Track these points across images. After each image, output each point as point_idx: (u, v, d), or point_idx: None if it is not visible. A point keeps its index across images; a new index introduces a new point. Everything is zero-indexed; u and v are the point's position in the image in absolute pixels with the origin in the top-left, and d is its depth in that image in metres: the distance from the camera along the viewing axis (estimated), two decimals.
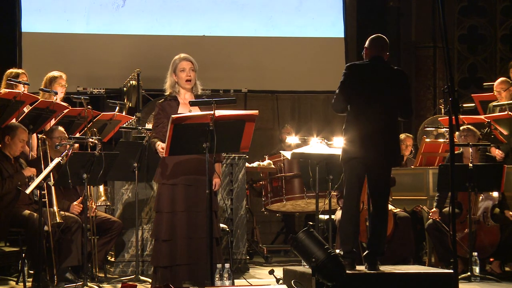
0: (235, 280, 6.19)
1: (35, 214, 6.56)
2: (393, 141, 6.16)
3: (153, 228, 6.02)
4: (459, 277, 6.82)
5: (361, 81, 6.16)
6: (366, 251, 6.14)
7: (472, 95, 9.57)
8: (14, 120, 7.19)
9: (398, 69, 6.33)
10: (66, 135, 7.10)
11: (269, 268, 6.34)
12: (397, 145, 6.26)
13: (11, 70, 7.64)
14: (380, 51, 6.23)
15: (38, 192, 6.38)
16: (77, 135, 7.33)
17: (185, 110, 5.90)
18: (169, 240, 5.83)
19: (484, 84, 10.45)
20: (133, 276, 7.10)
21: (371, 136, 6.04)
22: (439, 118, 9.24)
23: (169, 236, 5.83)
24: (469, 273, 7.05)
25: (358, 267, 6.10)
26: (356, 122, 6.09)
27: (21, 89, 7.19)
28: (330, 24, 11.60)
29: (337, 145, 7.12)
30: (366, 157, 6.07)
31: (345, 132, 6.17)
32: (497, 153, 8.04)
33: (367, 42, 6.30)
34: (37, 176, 6.52)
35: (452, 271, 5.36)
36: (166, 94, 6.06)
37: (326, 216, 7.58)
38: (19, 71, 7.63)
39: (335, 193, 7.31)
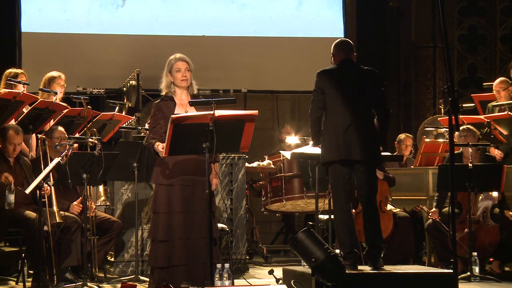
0: (235, 280, 6.20)
1: (35, 214, 6.56)
2: (370, 140, 6.20)
3: (150, 229, 6.02)
4: (459, 277, 6.81)
5: (332, 86, 6.22)
6: (366, 249, 6.18)
7: (472, 95, 9.57)
8: (13, 121, 7.18)
9: (368, 69, 6.36)
10: (66, 135, 7.10)
11: (269, 268, 6.34)
12: (375, 143, 6.27)
13: (10, 70, 7.63)
14: (346, 53, 6.31)
15: (38, 192, 6.39)
16: (77, 135, 7.32)
17: (181, 110, 5.90)
18: (166, 241, 5.83)
19: (484, 84, 10.45)
20: (132, 276, 7.11)
21: (348, 137, 6.11)
22: (439, 118, 9.24)
23: (166, 237, 5.83)
24: (469, 273, 7.05)
25: (359, 267, 6.12)
26: (332, 125, 6.17)
27: (21, 89, 7.19)
28: (330, 24, 11.60)
29: None
30: (345, 159, 6.13)
31: (322, 136, 6.23)
32: (496, 153, 8.04)
33: (332, 49, 6.39)
34: (37, 176, 6.51)
35: (452, 271, 5.36)
36: (162, 94, 6.06)
37: (326, 216, 7.58)
38: (18, 71, 7.62)
39: None
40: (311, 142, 7.74)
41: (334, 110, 6.17)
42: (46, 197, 6.55)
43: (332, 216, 7.43)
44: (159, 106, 5.98)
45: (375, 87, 6.29)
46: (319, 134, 6.26)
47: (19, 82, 7.29)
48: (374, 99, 6.25)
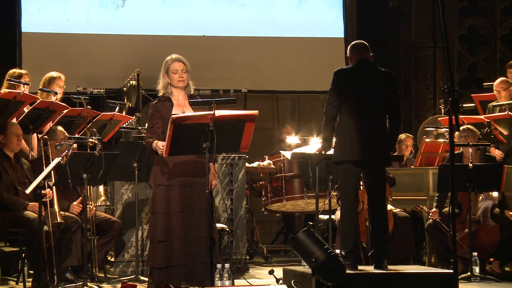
0: (235, 280, 6.20)
1: (35, 214, 6.56)
2: (383, 141, 6.21)
3: (149, 229, 6.02)
4: (459, 277, 6.81)
5: (349, 85, 6.24)
6: (372, 251, 6.18)
7: (472, 95, 9.56)
8: (14, 120, 7.18)
9: (385, 70, 6.38)
10: (67, 135, 7.10)
11: (269, 268, 6.34)
12: (387, 145, 6.29)
13: (14, 70, 7.64)
14: (362, 54, 6.32)
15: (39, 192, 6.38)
16: (77, 135, 7.32)
17: (178, 111, 5.92)
18: (165, 241, 5.84)
19: (484, 84, 10.45)
20: (133, 276, 7.11)
21: (362, 138, 6.12)
22: (439, 118, 9.24)
23: (165, 237, 5.84)
24: (469, 273, 7.05)
25: (359, 267, 6.12)
26: (346, 125, 6.17)
27: (22, 89, 7.19)
28: (330, 24, 11.60)
29: None
30: (358, 159, 6.14)
31: (336, 134, 6.23)
32: (496, 153, 8.04)
33: (348, 51, 6.38)
34: (38, 176, 6.51)
35: (452, 271, 5.36)
36: (159, 95, 6.07)
37: (326, 216, 7.58)
38: (22, 71, 7.62)
39: (335, 193, 7.32)
40: (311, 142, 7.77)
41: (349, 110, 6.17)
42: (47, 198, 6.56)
43: (333, 216, 7.46)
44: (157, 106, 6.00)
45: (390, 89, 6.30)
46: (331, 137, 6.26)
47: (20, 82, 7.29)
48: (388, 101, 6.25)
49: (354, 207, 6.20)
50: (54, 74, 7.80)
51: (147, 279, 6.69)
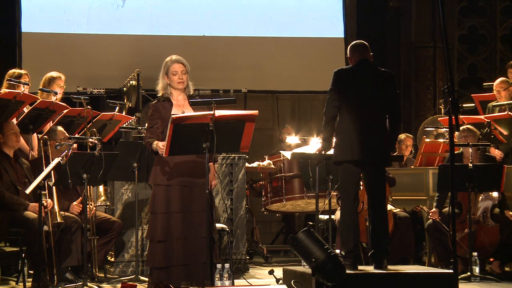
0: (235, 280, 6.20)
1: (35, 214, 6.56)
2: (382, 142, 6.21)
3: (148, 229, 6.02)
4: (459, 277, 6.82)
5: (348, 85, 6.24)
6: (372, 251, 6.19)
7: (472, 95, 9.57)
8: (14, 120, 7.18)
9: (385, 70, 6.39)
10: (67, 135, 7.10)
11: (269, 268, 6.34)
12: (387, 145, 6.30)
13: (13, 70, 7.64)
14: (362, 54, 6.32)
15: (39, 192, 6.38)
16: (77, 135, 7.32)
17: (178, 111, 5.92)
18: (164, 241, 5.84)
19: (484, 84, 10.45)
20: (133, 276, 7.11)
21: (362, 138, 6.12)
22: (439, 118, 9.25)
23: (164, 237, 5.84)
24: (469, 273, 7.05)
25: (359, 267, 6.12)
26: (346, 125, 6.18)
27: (22, 89, 7.19)
28: (330, 24, 11.60)
29: None
30: (358, 159, 6.14)
31: (336, 134, 6.24)
32: (496, 153, 8.04)
33: (348, 51, 6.38)
34: (38, 176, 6.51)
35: (452, 271, 5.36)
36: (158, 95, 6.08)
37: (326, 216, 7.58)
38: (22, 71, 7.62)
39: (335, 193, 7.32)
40: (311, 142, 7.77)
41: (349, 110, 6.17)
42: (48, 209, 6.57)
43: (333, 216, 7.46)
44: (157, 106, 6.00)
45: (390, 89, 6.30)
46: (331, 137, 6.26)
47: (20, 82, 7.29)
48: (388, 101, 6.25)
49: (354, 207, 6.21)
50: (54, 74, 7.80)
51: (147, 279, 6.69)
